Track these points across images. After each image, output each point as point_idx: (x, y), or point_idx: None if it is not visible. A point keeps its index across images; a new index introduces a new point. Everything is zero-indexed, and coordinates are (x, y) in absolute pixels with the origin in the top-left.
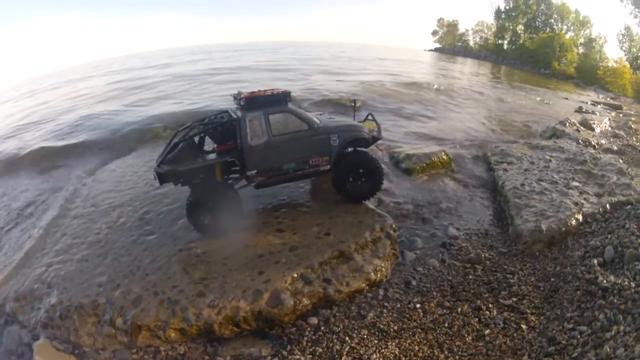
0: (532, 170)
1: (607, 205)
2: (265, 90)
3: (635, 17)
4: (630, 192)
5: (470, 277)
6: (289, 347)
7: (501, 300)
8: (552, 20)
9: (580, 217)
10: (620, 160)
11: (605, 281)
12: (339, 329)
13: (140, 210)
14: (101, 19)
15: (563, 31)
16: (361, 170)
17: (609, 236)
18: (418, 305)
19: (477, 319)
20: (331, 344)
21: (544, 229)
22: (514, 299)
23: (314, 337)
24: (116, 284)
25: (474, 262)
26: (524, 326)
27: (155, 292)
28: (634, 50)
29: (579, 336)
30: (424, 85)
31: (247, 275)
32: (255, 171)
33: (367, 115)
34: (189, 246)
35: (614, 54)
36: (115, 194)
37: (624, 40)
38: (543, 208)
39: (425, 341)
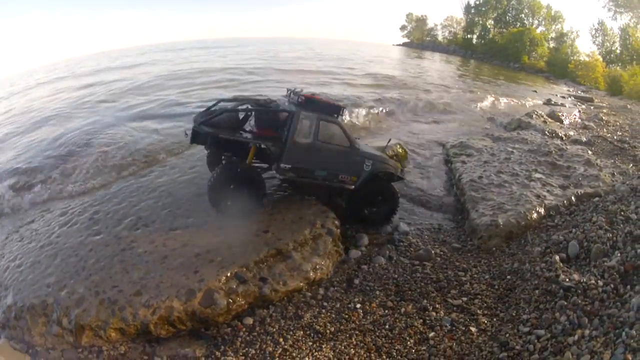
0: (492, 162)
1: (573, 198)
2: (317, 95)
3: (609, 10)
4: (598, 184)
5: (418, 275)
6: (222, 347)
7: (450, 300)
8: (523, 15)
9: (542, 210)
10: (589, 152)
11: (567, 279)
12: (274, 329)
13: (90, 210)
14: (74, 15)
15: (534, 26)
16: (380, 198)
17: (574, 230)
18: (358, 306)
19: (421, 320)
20: (264, 346)
21: (501, 223)
22: (464, 299)
23: (248, 338)
24: (63, 285)
25: (423, 259)
26: (473, 329)
27: (97, 292)
28: (607, 44)
29: (536, 341)
30: (388, 79)
31: (183, 275)
32: (290, 166)
33: (393, 157)
34: (131, 245)
35: (586, 48)
36: (66, 194)
37: (597, 35)
38: (501, 201)
39: (362, 344)
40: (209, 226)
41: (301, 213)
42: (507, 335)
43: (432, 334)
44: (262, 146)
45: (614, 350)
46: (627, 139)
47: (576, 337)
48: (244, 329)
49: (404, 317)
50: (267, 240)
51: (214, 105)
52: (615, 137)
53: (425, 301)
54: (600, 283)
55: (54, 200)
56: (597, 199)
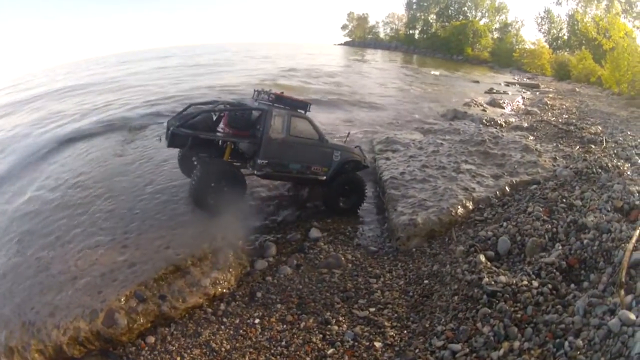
0: (417, 156)
1: (507, 187)
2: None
3: None
4: (537, 170)
5: (325, 284)
6: None
7: (356, 312)
8: (466, 8)
9: (470, 203)
10: (530, 137)
11: (493, 282)
12: (174, 348)
13: (15, 231)
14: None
15: (477, 18)
16: (347, 188)
17: (505, 224)
18: (257, 321)
19: (321, 335)
20: None
21: (420, 222)
22: (372, 309)
23: (149, 356)
24: None
25: (332, 266)
26: (378, 344)
27: (19, 314)
28: (554, 31)
29: (450, 357)
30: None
31: (89, 295)
32: (266, 162)
33: (355, 147)
34: (48, 267)
35: (532, 37)
36: None
37: (543, 23)
38: (423, 197)
39: None
40: (115, 244)
41: (203, 227)
42: (417, 350)
43: (331, 351)
44: (235, 145)
45: None
46: (574, 121)
47: (502, 351)
48: (146, 348)
49: (303, 332)
50: (166, 257)
51: (184, 109)
52: (560, 120)
53: (328, 314)
54: (535, 284)
55: None
56: (534, 186)
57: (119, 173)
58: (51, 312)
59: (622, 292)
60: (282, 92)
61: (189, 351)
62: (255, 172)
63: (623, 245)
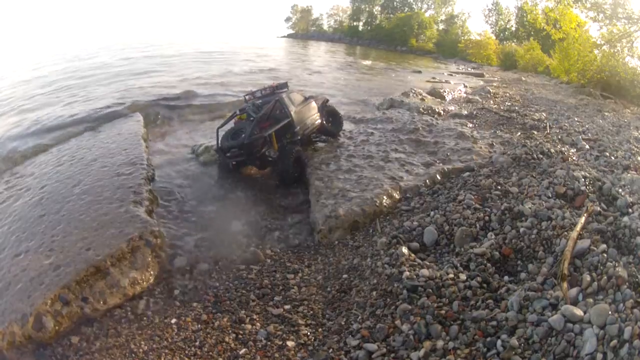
0: (346, 146)
1: (438, 176)
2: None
3: None
4: (471, 157)
5: (241, 281)
6: None
7: (270, 309)
8: (411, 0)
9: (396, 193)
10: (469, 125)
11: (414, 276)
12: (95, 348)
13: None
14: None
15: (422, 10)
16: (331, 118)
17: (432, 213)
18: (174, 321)
19: (234, 335)
20: None
21: (342, 213)
22: (288, 306)
23: (74, 357)
24: None
25: (250, 262)
26: (290, 343)
27: None
28: (502, 23)
29: (366, 358)
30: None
31: (20, 300)
32: (299, 127)
33: (320, 95)
34: None
35: (479, 28)
36: None
37: (491, 15)
38: (346, 188)
39: None
40: (43, 248)
41: (122, 226)
42: (331, 350)
43: (243, 351)
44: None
45: None
46: (517, 108)
47: (423, 351)
48: (71, 348)
49: (217, 331)
50: (87, 258)
51: (217, 135)
52: (502, 108)
53: (242, 312)
54: (463, 277)
55: None
56: (467, 174)
57: (50, 176)
58: None
59: (565, 284)
60: (273, 83)
61: (110, 352)
62: (296, 138)
63: (566, 233)
